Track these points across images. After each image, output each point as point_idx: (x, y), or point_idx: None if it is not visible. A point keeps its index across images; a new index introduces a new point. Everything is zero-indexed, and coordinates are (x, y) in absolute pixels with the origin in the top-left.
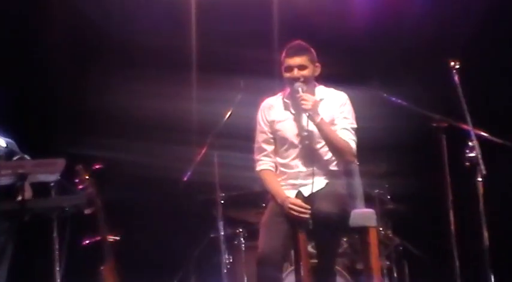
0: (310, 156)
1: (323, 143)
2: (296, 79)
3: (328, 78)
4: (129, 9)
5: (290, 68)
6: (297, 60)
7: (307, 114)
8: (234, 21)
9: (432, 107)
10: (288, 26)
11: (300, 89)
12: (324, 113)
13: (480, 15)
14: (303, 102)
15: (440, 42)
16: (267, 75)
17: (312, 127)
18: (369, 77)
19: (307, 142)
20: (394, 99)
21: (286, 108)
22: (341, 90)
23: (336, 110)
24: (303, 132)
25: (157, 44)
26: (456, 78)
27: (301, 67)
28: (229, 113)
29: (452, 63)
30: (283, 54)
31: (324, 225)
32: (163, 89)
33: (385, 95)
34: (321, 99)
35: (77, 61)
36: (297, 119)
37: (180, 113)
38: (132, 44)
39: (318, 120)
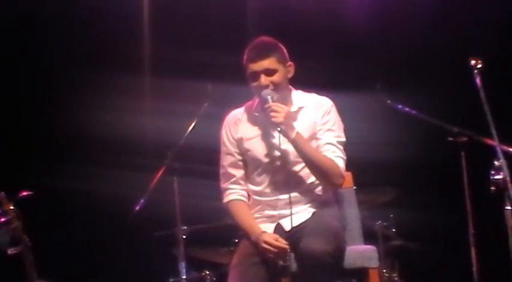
0: (288, 180)
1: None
2: (265, 88)
3: (318, 81)
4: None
5: (255, 75)
6: (262, 64)
7: (279, 129)
8: (199, 13)
9: (449, 117)
10: (266, 18)
11: (269, 98)
12: (304, 125)
13: (509, 6)
14: (272, 114)
15: (458, 38)
16: (242, 78)
17: (286, 144)
18: (370, 80)
19: (283, 163)
20: (400, 107)
21: (256, 122)
22: (332, 96)
23: (318, 121)
24: (276, 151)
25: (101, 45)
26: (478, 80)
27: (269, 72)
28: (192, 126)
29: (473, 62)
30: (245, 58)
31: (313, 267)
32: (107, 99)
33: (389, 101)
34: (299, 108)
35: None
36: (269, 135)
37: (130, 128)
38: (71, 45)
39: (292, 135)
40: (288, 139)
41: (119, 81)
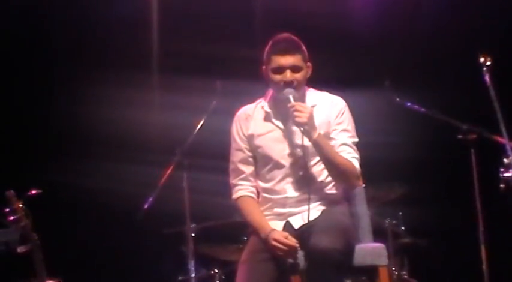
0: (301, 177)
1: (315, 160)
2: (289, 84)
3: (327, 79)
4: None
5: (281, 69)
6: (289, 59)
7: (302, 129)
8: (206, 10)
9: (458, 114)
10: (273, 14)
11: (290, 97)
12: (317, 123)
13: None
14: (296, 113)
15: (468, 35)
16: (251, 75)
17: (298, 142)
18: (379, 77)
19: (296, 161)
20: (409, 104)
21: (268, 118)
22: (341, 94)
23: (332, 121)
24: (296, 150)
25: (109, 39)
26: (487, 78)
27: (295, 68)
28: (201, 124)
29: (482, 60)
30: (270, 50)
31: (323, 264)
32: (116, 95)
33: (398, 99)
34: (312, 106)
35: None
36: (285, 133)
37: (139, 124)
38: (78, 39)
39: (315, 136)
40: (309, 139)
41: (127, 77)
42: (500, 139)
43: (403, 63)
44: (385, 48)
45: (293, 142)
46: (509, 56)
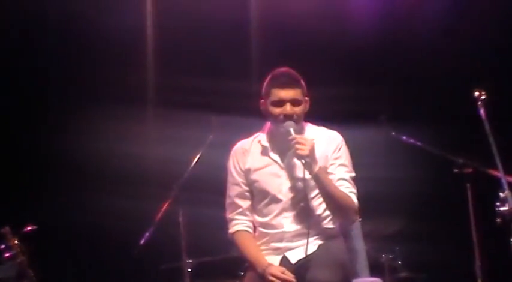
0: (299, 211)
1: (314, 193)
2: (289, 117)
3: (320, 113)
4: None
5: (281, 102)
6: (289, 93)
7: (303, 161)
8: (202, 44)
9: (454, 148)
10: (269, 51)
11: (291, 130)
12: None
13: None
14: (298, 146)
15: (463, 69)
16: (247, 110)
17: (295, 176)
18: (374, 112)
19: (295, 195)
20: (405, 138)
21: (265, 152)
22: (335, 129)
23: (330, 155)
24: (295, 183)
25: (104, 73)
26: (482, 112)
27: (295, 102)
28: (197, 158)
29: (477, 94)
30: (270, 83)
31: None
32: (112, 129)
33: (394, 133)
34: (310, 140)
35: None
36: (282, 167)
37: (135, 158)
38: (73, 74)
39: (315, 169)
40: (310, 172)
41: (123, 111)
42: (495, 173)
43: (399, 98)
44: (380, 82)
45: (291, 176)
46: (504, 90)
